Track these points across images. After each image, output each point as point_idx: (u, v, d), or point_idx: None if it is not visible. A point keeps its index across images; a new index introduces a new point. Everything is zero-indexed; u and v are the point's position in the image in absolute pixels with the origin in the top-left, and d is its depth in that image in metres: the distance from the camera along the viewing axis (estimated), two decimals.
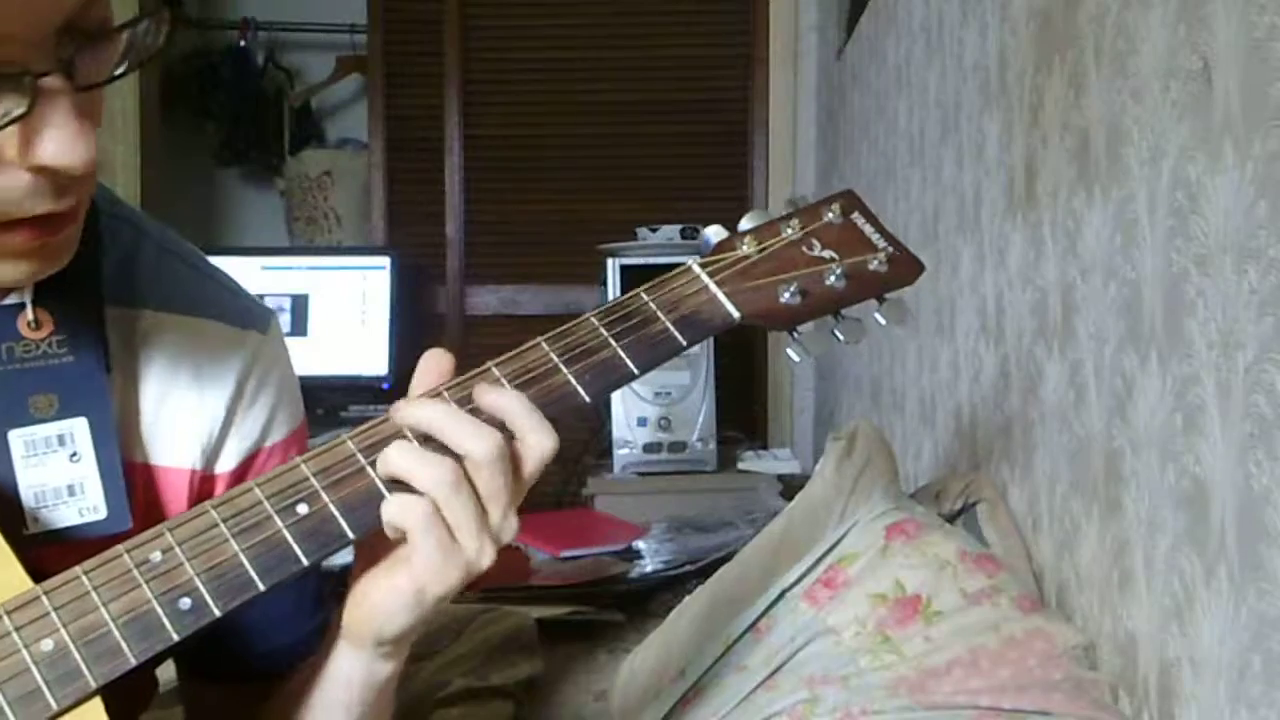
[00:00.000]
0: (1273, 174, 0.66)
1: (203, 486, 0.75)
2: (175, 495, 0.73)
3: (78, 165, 0.54)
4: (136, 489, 0.71)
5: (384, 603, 0.65)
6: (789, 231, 0.76)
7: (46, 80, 0.53)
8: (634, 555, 1.88)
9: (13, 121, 0.52)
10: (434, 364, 0.69)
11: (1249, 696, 0.69)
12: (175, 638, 0.59)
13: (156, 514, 0.72)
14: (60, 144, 0.54)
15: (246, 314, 0.78)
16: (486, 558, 0.64)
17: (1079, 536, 0.99)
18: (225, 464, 0.76)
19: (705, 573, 1.45)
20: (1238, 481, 0.70)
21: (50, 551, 0.62)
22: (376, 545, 0.66)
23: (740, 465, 2.58)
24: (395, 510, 0.63)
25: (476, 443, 0.63)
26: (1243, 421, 0.69)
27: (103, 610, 0.58)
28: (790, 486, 2.27)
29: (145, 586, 0.59)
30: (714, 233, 0.77)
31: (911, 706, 0.89)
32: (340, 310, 2.91)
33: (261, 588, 0.60)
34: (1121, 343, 0.89)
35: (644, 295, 0.72)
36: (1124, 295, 0.89)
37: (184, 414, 0.73)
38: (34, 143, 0.53)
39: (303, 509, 0.62)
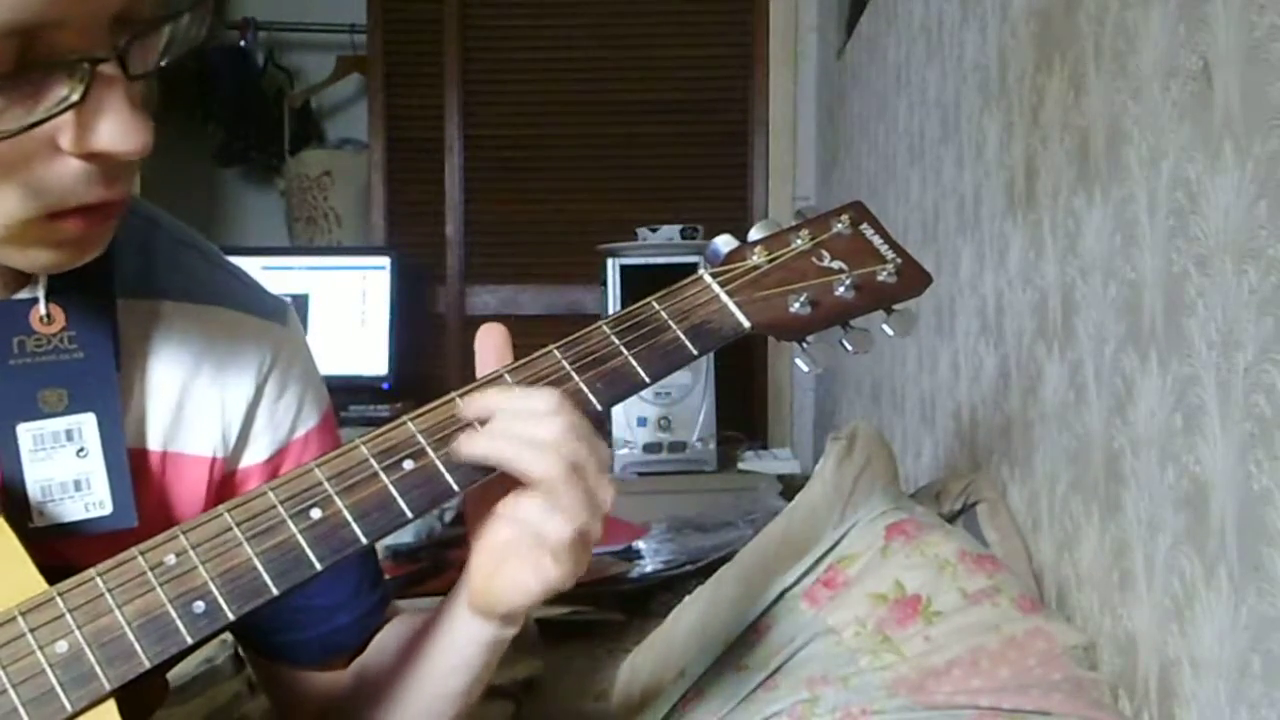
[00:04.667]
0: (1273, 174, 0.66)
1: (225, 477, 0.76)
2: (194, 483, 0.74)
3: (134, 150, 0.55)
4: (154, 478, 0.72)
5: (506, 595, 0.68)
6: (799, 242, 0.77)
7: (102, 68, 0.53)
8: (634, 555, 1.88)
9: (68, 108, 0.53)
10: (490, 340, 0.70)
11: (1249, 696, 0.69)
12: (189, 641, 0.59)
13: (173, 502, 0.73)
14: (117, 130, 0.54)
15: (264, 305, 0.79)
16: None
17: (1079, 536, 0.99)
18: (256, 455, 0.77)
19: (705, 573, 1.44)
20: (1238, 481, 0.70)
21: (55, 545, 0.63)
22: (484, 526, 0.69)
23: (740, 465, 2.58)
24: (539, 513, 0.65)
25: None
26: (1243, 421, 0.70)
27: (117, 613, 0.58)
28: (790, 486, 2.27)
29: (159, 589, 0.59)
30: (724, 242, 0.77)
31: (911, 706, 0.89)
32: (340, 310, 2.91)
33: (275, 592, 0.61)
34: (1121, 343, 0.90)
35: (655, 304, 0.72)
36: (1124, 295, 0.89)
37: (205, 402, 0.74)
38: (90, 129, 0.54)
39: (316, 514, 0.63)
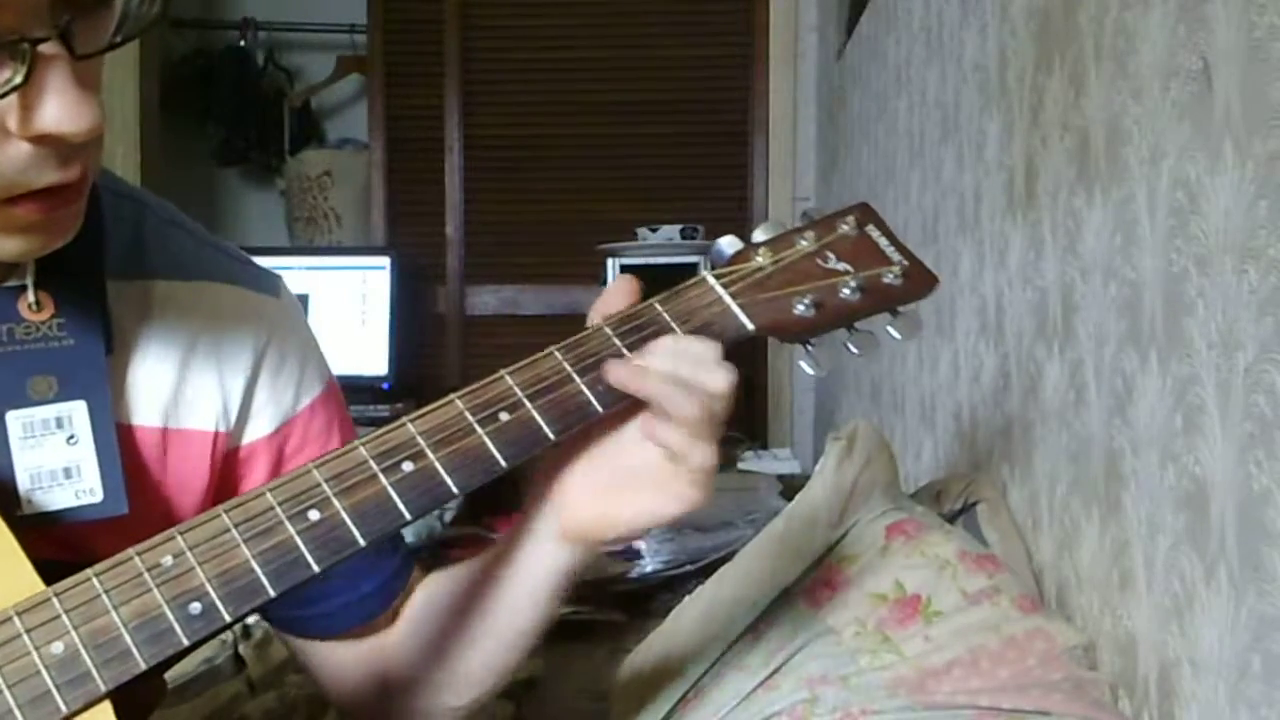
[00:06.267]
0: (1273, 174, 0.66)
1: (229, 453, 0.76)
2: (198, 459, 0.74)
3: (81, 131, 0.54)
4: (155, 457, 0.72)
5: (633, 519, 0.71)
6: (804, 244, 0.76)
7: (44, 47, 0.53)
8: (634, 555, 1.88)
9: (12, 90, 0.52)
10: (622, 287, 0.74)
11: (1249, 696, 0.69)
12: (185, 642, 0.59)
13: (175, 481, 0.73)
14: (62, 110, 0.53)
15: (256, 280, 0.79)
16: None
17: (1079, 536, 0.99)
18: (260, 430, 0.77)
19: (705, 573, 1.44)
20: (1238, 481, 0.70)
21: (45, 533, 0.62)
22: (589, 454, 0.72)
23: (740, 465, 2.58)
24: (686, 447, 0.69)
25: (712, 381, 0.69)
26: (1243, 421, 0.70)
27: (113, 614, 0.58)
28: (790, 486, 2.27)
29: (156, 591, 0.59)
30: (728, 244, 0.76)
31: (911, 706, 0.88)
32: (340, 310, 2.91)
33: (272, 594, 0.61)
34: (1121, 343, 0.89)
35: (658, 306, 0.72)
36: (1124, 295, 0.89)
37: (204, 377, 0.74)
38: (34, 111, 0.53)
39: (314, 515, 0.62)
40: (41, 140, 0.54)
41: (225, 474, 0.76)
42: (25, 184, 0.56)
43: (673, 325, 0.72)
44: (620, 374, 0.69)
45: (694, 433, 0.68)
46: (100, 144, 0.58)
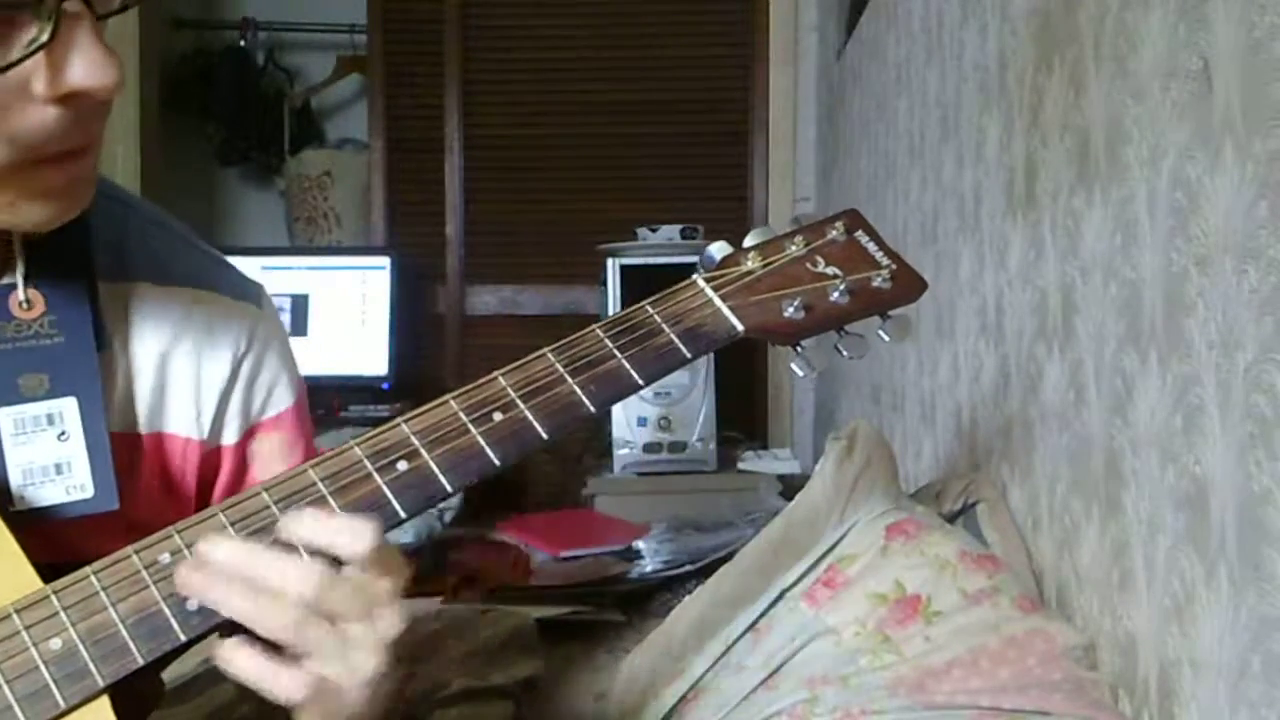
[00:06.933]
0: (1273, 174, 0.66)
1: (206, 457, 0.77)
2: (180, 462, 0.75)
3: (108, 85, 0.55)
4: (141, 460, 0.73)
5: None
6: (793, 248, 0.77)
7: (68, 5, 0.54)
8: (634, 555, 1.88)
9: (39, 48, 0.53)
10: None
11: (1249, 697, 0.69)
12: (183, 638, 0.59)
13: (161, 483, 0.74)
14: (88, 67, 0.55)
15: (239, 287, 0.80)
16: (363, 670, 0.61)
17: (1079, 536, 0.99)
18: (229, 437, 0.78)
19: (705, 573, 1.45)
20: (1238, 481, 0.70)
21: (36, 529, 0.63)
22: None
23: (740, 465, 2.58)
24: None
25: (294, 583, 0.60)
26: (1243, 421, 0.70)
27: (111, 610, 0.58)
28: (790, 486, 2.27)
29: (154, 588, 0.59)
30: (718, 248, 0.77)
31: (911, 706, 0.89)
32: (340, 310, 2.91)
33: None
34: (1121, 343, 0.89)
35: (649, 308, 0.73)
36: (1124, 295, 0.89)
37: (186, 382, 0.75)
38: (62, 69, 0.55)
39: None
40: (67, 100, 0.55)
41: (203, 476, 0.77)
42: (53, 146, 0.57)
43: (663, 326, 0.72)
44: (198, 589, 0.59)
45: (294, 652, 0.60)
46: (110, 106, 0.59)
